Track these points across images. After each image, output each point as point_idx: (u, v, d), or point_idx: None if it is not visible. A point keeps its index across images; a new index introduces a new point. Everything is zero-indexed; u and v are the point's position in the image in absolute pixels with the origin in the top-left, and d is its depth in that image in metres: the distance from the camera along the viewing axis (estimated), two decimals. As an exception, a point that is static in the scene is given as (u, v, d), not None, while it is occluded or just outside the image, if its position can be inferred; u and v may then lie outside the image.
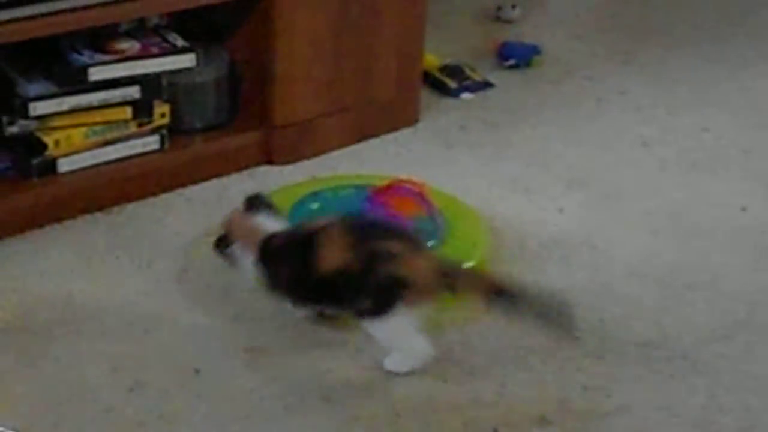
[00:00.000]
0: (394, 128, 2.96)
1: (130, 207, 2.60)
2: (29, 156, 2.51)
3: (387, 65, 2.89)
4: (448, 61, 3.27)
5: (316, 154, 2.83)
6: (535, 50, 3.37)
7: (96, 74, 2.50)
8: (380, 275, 2.05)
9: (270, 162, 2.79)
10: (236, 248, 2.22)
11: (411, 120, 3.00)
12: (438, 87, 3.18)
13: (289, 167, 2.79)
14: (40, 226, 2.50)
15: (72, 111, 2.51)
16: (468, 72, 3.24)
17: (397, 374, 2.12)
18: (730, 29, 3.68)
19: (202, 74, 2.70)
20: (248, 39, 2.75)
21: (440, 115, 3.07)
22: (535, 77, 3.30)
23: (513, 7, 3.62)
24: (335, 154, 2.85)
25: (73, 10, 2.40)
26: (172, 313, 2.25)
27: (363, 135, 2.91)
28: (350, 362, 2.16)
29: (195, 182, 2.69)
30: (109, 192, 2.58)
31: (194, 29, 2.70)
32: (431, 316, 2.14)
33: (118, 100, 2.56)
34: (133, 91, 2.56)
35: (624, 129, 3.07)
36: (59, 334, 2.21)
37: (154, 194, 2.63)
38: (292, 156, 2.80)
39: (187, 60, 2.61)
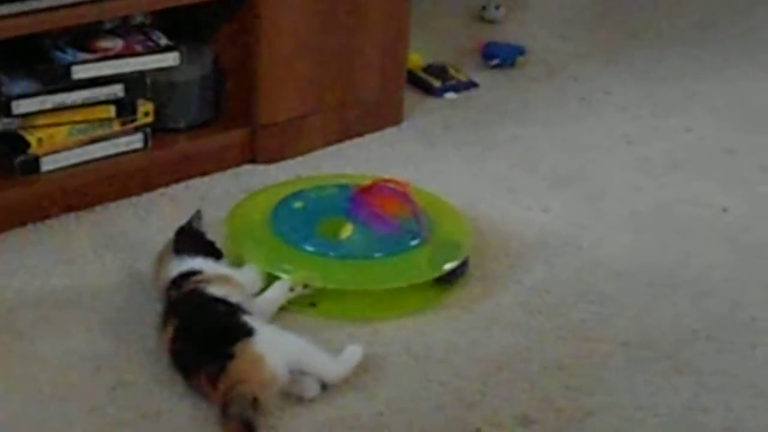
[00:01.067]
0: (379, 128, 2.96)
1: (114, 206, 2.59)
2: (12, 154, 2.50)
3: (371, 65, 2.89)
4: (432, 60, 3.28)
5: (300, 154, 2.83)
6: (519, 50, 3.37)
7: (79, 72, 2.50)
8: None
9: (254, 161, 2.78)
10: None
11: (395, 119, 3.00)
12: (422, 86, 3.19)
13: (273, 166, 2.78)
14: (23, 224, 2.49)
15: (55, 109, 2.50)
16: (452, 72, 3.25)
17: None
18: (714, 30, 3.69)
19: (185, 73, 2.69)
20: (232, 38, 2.74)
21: (424, 115, 3.07)
22: (519, 77, 3.31)
23: (497, 7, 3.62)
24: (319, 153, 2.85)
25: (57, 8, 2.39)
26: (156, 312, 2.23)
27: (347, 134, 2.91)
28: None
29: (178, 181, 2.68)
30: (92, 191, 2.57)
31: (178, 28, 2.69)
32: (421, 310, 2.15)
33: (102, 98, 2.55)
34: (117, 90, 2.56)
35: (608, 129, 3.08)
36: (42, 333, 2.20)
37: (137, 193, 2.63)
38: (276, 155, 2.80)
39: (170, 58, 2.60)
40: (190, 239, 2.28)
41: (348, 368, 2.10)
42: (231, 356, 2.00)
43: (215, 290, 2.15)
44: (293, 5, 2.69)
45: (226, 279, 2.19)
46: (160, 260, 2.26)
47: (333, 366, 2.08)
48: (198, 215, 2.34)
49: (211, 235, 2.37)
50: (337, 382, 2.08)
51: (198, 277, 2.18)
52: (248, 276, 2.26)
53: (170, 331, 2.09)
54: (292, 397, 2.04)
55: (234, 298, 2.15)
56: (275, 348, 2.03)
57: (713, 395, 2.14)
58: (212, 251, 2.28)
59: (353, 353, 2.12)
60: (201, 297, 2.14)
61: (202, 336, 2.07)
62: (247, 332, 2.04)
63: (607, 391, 2.14)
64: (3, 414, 2.00)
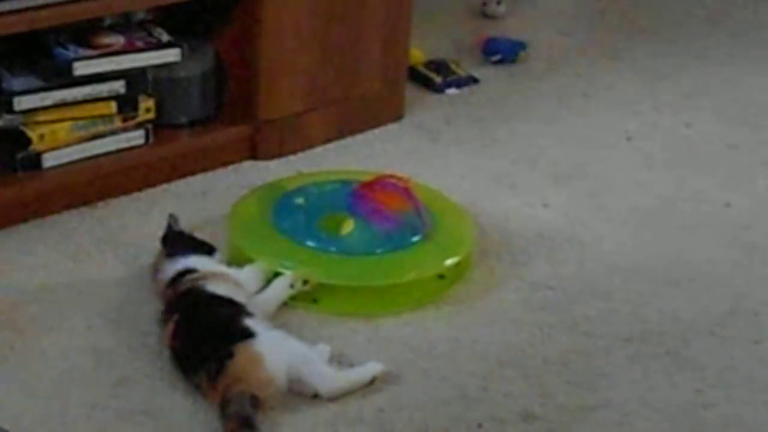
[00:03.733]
0: (380, 123, 2.96)
1: (115, 202, 2.59)
2: (14, 150, 2.50)
3: (372, 60, 2.89)
4: (433, 56, 3.27)
5: (301, 149, 2.83)
6: (520, 46, 3.37)
7: (81, 69, 2.49)
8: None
9: (255, 157, 2.78)
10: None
11: (396, 115, 2.99)
12: (423, 82, 3.18)
13: (275, 162, 2.78)
14: (25, 220, 2.49)
15: (57, 105, 2.50)
16: (453, 67, 3.24)
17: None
18: (714, 27, 3.69)
19: (187, 69, 2.69)
20: (234, 34, 2.74)
21: (425, 111, 3.07)
22: (520, 73, 3.31)
23: (498, 2, 3.62)
24: (320, 149, 2.85)
25: (58, 4, 2.39)
26: (158, 307, 2.24)
27: (348, 130, 2.90)
28: (335, 356, 2.16)
29: (180, 177, 2.68)
30: (93, 187, 2.57)
31: (179, 24, 2.69)
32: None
33: (103, 94, 2.55)
34: (118, 86, 2.56)
35: (610, 125, 3.07)
36: (44, 329, 2.20)
37: (139, 189, 2.63)
38: (278, 151, 2.80)
39: (172, 55, 2.60)
40: (177, 241, 2.29)
41: (347, 385, 2.06)
42: (230, 355, 2.00)
43: (215, 288, 2.15)
44: (294, 1, 2.69)
45: (223, 276, 2.19)
46: (155, 268, 2.27)
47: (330, 380, 2.06)
48: (173, 218, 2.35)
49: (212, 231, 2.37)
50: (331, 396, 2.05)
51: (194, 275, 2.18)
52: (248, 275, 2.25)
53: (170, 328, 2.09)
54: (293, 393, 2.04)
55: (236, 296, 2.15)
56: (276, 350, 2.03)
57: (715, 390, 2.14)
58: (202, 247, 2.28)
59: (361, 374, 2.08)
60: (201, 295, 2.14)
61: (202, 334, 2.07)
62: (248, 334, 2.04)
63: (608, 386, 2.14)
64: (5, 410, 1.99)
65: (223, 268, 2.24)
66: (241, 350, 2.01)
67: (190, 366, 2.05)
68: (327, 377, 2.06)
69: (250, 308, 2.13)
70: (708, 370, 2.19)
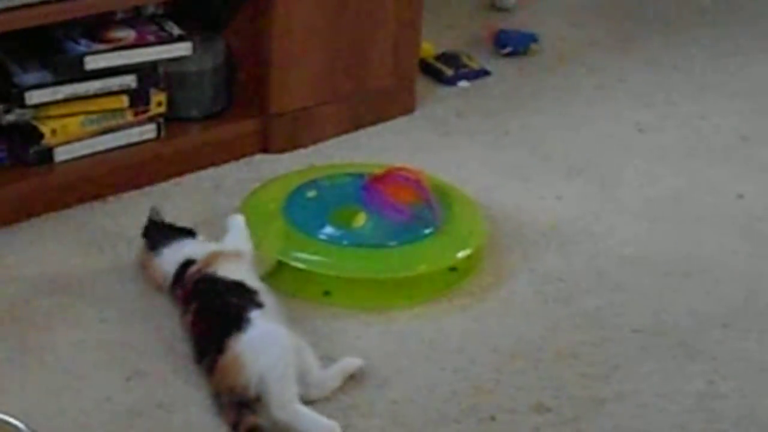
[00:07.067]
0: (391, 116, 2.96)
1: (127, 196, 2.59)
2: (26, 145, 2.51)
3: (384, 53, 2.88)
4: (444, 49, 3.27)
5: (312, 143, 2.83)
6: (532, 38, 3.36)
7: (92, 63, 2.50)
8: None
9: (266, 150, 2.78)
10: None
11: (408, 108, 2.99)
12: (435, 75, 3.18)
13: (286, 156, 2.78)
14: (37, 214, 2.50)
15: (68, 100, 2.51)
16: (465, 60, 3.24)
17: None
18: (727, 17, 3.68)
19: (198, 63, 2.69)
20: (245, 27, 2.74)
21: (437, 104, 3.06)
22: (532, 65, 3.30)
23: (509, -6, 3.62)
24: (332, 142, 2.85)
25: (69, -2, 2.40)
26: (170, 301, 2.24)
27: (359, 123, 2.90)
28: (347, 349, 2.16)
29: (191, 171, 2.69)
30: (105, 181, 2.57)
31: (190, 18, 2.69)
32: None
33: (115, 88, 2.55)
34: (130, 80, 2.56)
35: (622, 116, 3.07)
36: (57, 323, 2.20)
37: (150, 183, 2.63)
38: (289, 144, 2.80)
39: (183, 48, 2.60)
40: (163, 232, 2.29)
41: (293, 417, 1.95)
42: (221, 350, 1.99)
43: (226, 272, 2.14)
44: (305, -6, 2.70)
45: (227, 255, 2.19)
46: (145, 264, 2.27)
47: (282, 406, 1.94)
48: (155, 211, 2.33)
49: (224, 225, 2.38)
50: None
51: (200, 264, 2.18)
52: (234, 237, 2.26)
53: (189, 318, 2.10)
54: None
55: (244, 270, 2.15)
56: (255, 354, 1.96)
57: (728, 382, 2.13)
58: (187, 232, 2.29)
59: (315, 420, 1.96)
60: (217, 283, 2.14)
61: (207, 325, 2.07)
62: (239, 327, 2.01)
63: (621, 378, 2.14)
64: (18, 404, 2.00)
65: (221, 246, 2.23)
66: (228, 347, 1.99)
67: (197, 356, 2.06)
68: (282, 401, 1.95)
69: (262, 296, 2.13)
70: (720, 362, 2.18)
